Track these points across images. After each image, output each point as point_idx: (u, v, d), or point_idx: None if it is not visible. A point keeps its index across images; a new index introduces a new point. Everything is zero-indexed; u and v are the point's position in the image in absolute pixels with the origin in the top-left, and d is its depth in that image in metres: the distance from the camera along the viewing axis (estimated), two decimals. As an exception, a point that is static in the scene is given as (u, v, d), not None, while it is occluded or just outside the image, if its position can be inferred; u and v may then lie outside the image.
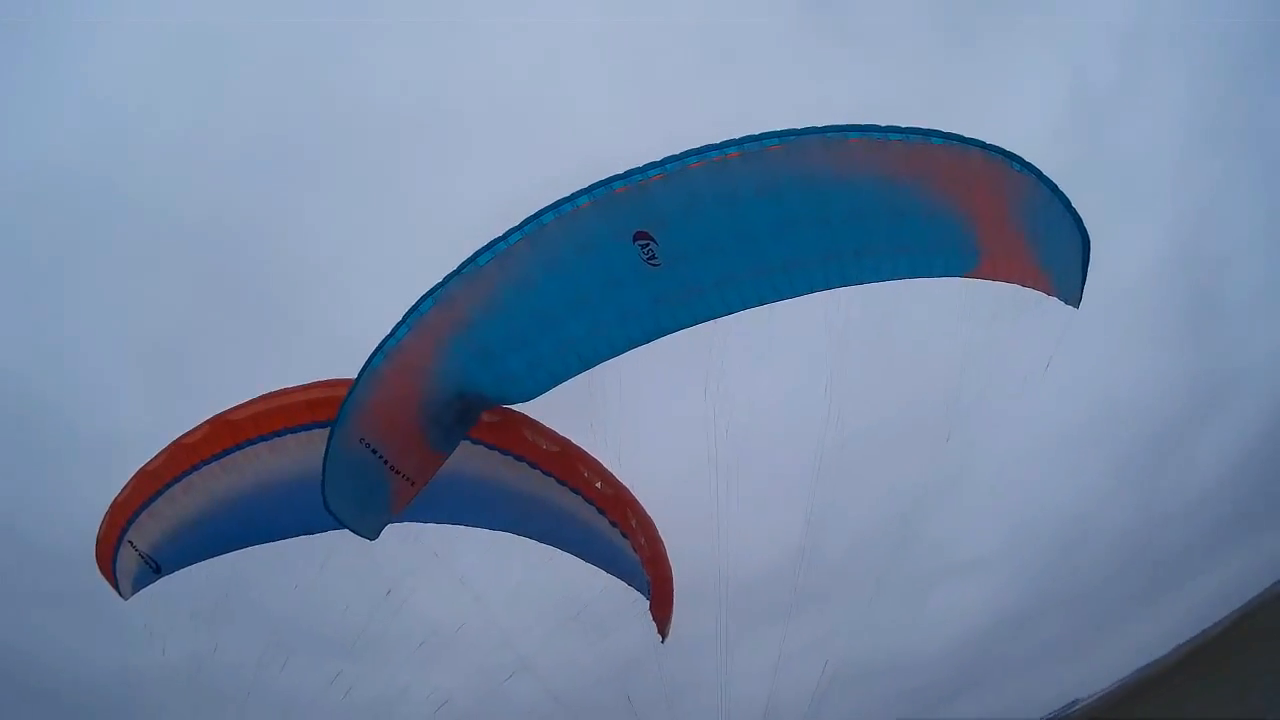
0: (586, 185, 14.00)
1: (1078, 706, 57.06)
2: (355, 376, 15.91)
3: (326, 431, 17.79)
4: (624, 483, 21.35)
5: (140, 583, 21.96)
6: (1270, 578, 46.83)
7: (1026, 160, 14.32)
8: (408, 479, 17.63)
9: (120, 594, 22.07)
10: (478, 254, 14.68)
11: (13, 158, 48.16)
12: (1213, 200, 61.71)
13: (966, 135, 13.93)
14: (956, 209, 14.83)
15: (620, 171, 13.94)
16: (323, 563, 19.92)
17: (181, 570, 21.94)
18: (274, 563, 21.20)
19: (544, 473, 20.48)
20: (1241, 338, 60.45)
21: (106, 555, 21.49)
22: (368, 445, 16.51)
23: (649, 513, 21.73)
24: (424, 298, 15.13)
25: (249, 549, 21.72)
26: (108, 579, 21.93)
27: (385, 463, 16.94)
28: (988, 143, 14.03)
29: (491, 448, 19.80)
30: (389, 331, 15.47)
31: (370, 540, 18.01)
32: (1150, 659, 53.35)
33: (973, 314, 16.91)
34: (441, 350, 16.07)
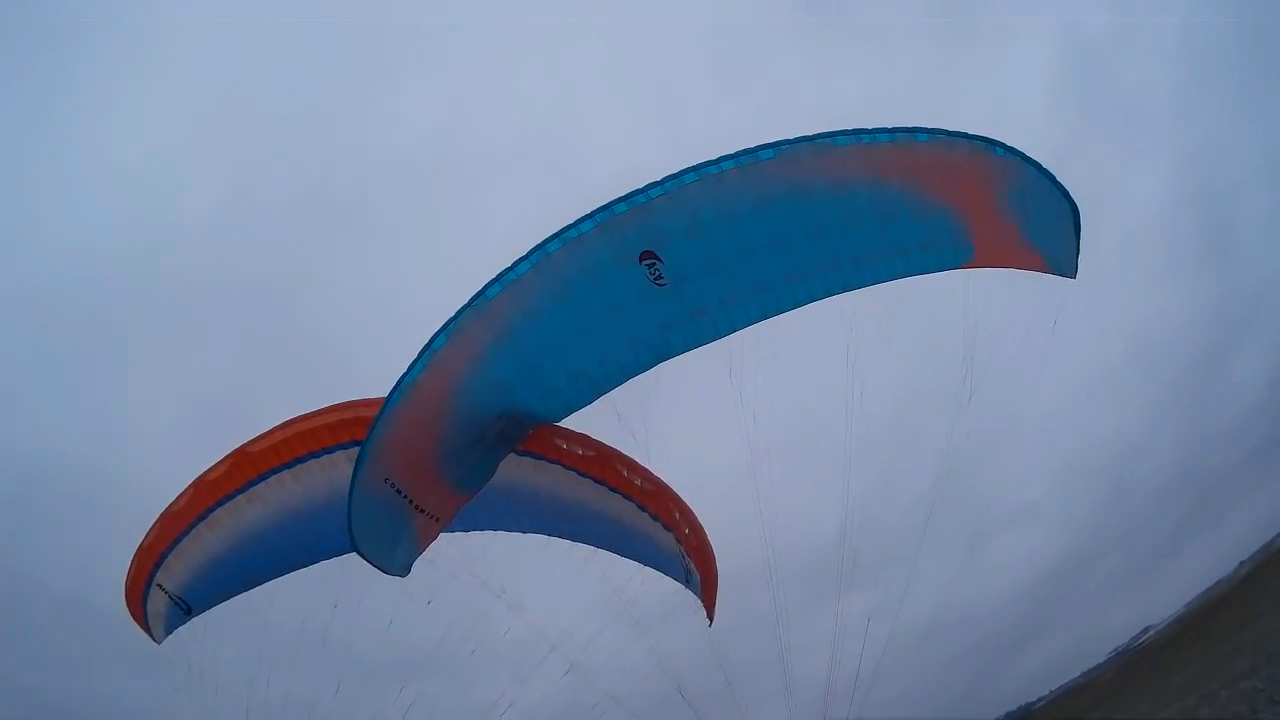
0: (589, 211, 14.22)
1: (1151, 633, 55.90)
2: (375, 416, 15.95)
3: (349, 454, 18.07)
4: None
5: (172, 624, 21.79)
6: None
7: (1008, 144, 14.62)
8: (433, 517, 17.79)
9: (153, 638, 21.90)
10: (487, 286, 14.87)
11: (53, 247, 49.14)
12: (1216, 132, 62.84)
13: (952, 127, 14.23)
14: (946, 204, 15.21)
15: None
16: (358, 582, 19.01)
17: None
18: (303, 585, 21.06)
19: (581, 475, 20.36)
20: (1259, 259, 60.85)
21: (136, 601, 21.26)
22: (391, 485, 16.55)
23: (689, 503, 21.64)
24: (437, 333, 15.26)
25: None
26: (140, 624, 21.68)
27: (409, 501, 17.02)
28: (970, 133, 14.32)
29: (524, 454, 19.52)
30: (405, 369, 15.60)
31: (401, 577, 18.12)
32: (1215, 579, 53.45)
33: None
34: (457, 386, 16.21)
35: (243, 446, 19.65)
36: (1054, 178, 14.97)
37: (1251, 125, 60.99)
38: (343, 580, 19.82)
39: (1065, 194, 15.20)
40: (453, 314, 15.02)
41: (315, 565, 21.02)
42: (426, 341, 15.26)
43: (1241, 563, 51.43)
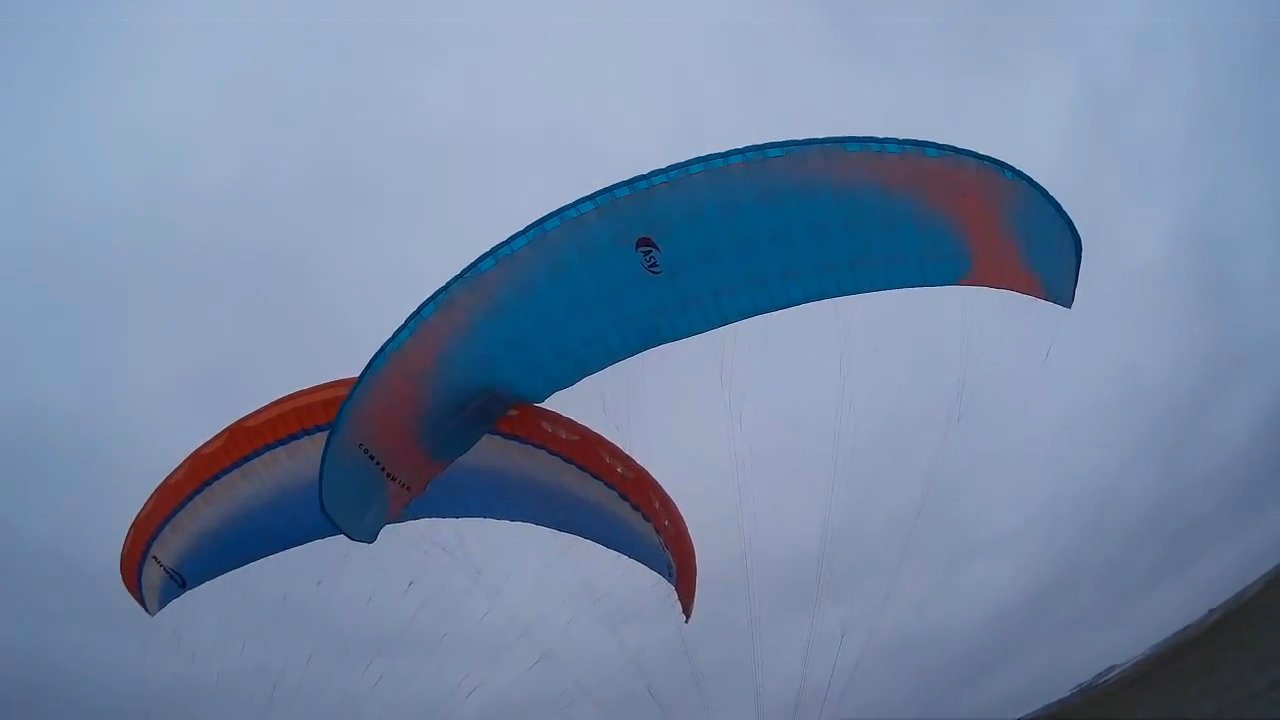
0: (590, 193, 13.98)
1: (1115, 672, 56.13)
2: (355, 380, 15.71)
3: None
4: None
5: (166, 597, 21.78)
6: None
7: (1016, 168, 14.58)
8: (404, 485, 17.56)
9: (147, 610, 21.89)
10: (481, 259, 14.68)
11: (67, 201, 48.83)
12: (1221, 184, 63.23)
13: (962, 145, 14.25)
14: (949, 219, 15.07)
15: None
16: (341, 560, 19.49)
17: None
18: (289, 561, 21.08)
19: (565, 460, 20.18)
20: (1253, 313, 61.61)
21: (131, 572, 21.30)
22: (365, 450, 16.37)
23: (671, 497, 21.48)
24: (426, 301, 15.08)
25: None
26: (134, 595, 21.71)
27: (381, 468, 16.81)
28: (980, 153, 14.29)
29: (510, 438, 19.47)
30: (391, 335, 15.40)
31: (367, 544, 17.84)
32: (1183, 624, 53.23)
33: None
34: (442, 355, 16.01)
35: (239, 421, 19.69)
36: (1059, 206, 14.96)
37: (1258, 179, 61.39)
38: (325, 556, 20.07)
39: (1069, 223, 15.19)
40: (443, 284, 14.88)
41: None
42: (415, 309, 15.16)
43: (1211, 610, 51.41)
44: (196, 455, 20.06)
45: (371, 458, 16.45)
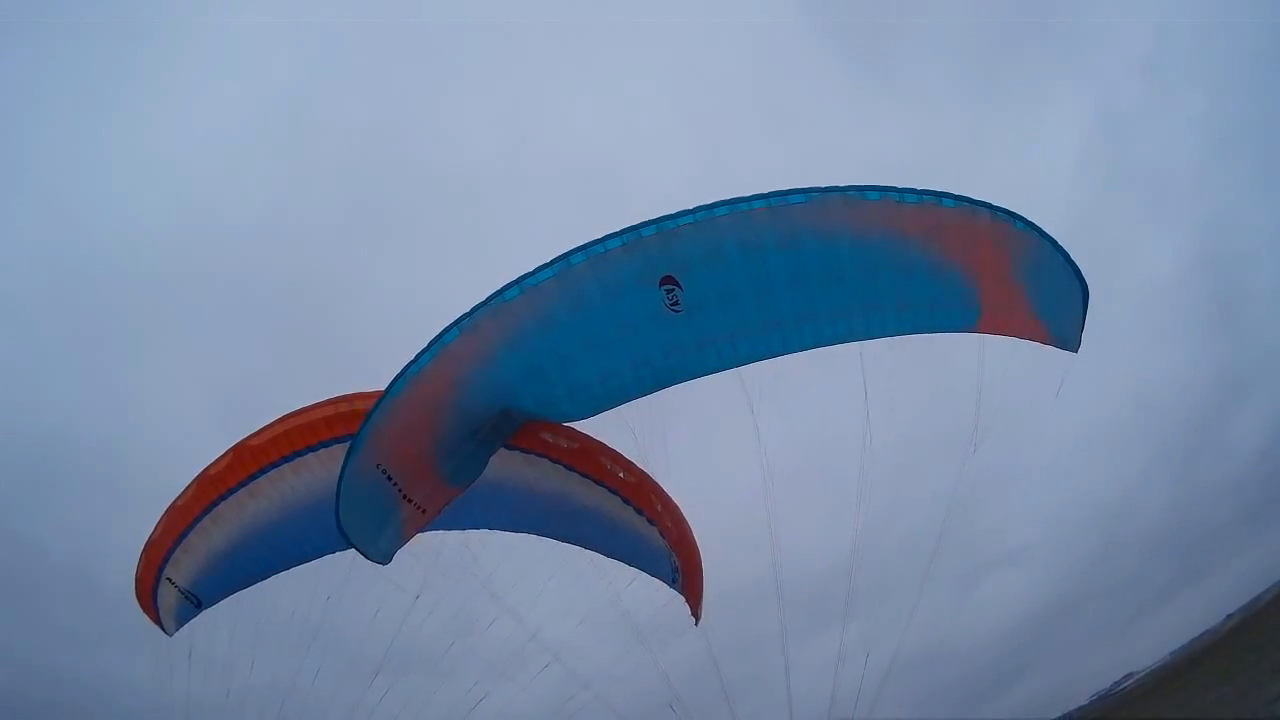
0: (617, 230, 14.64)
1: (1133, 680, 55.50)
2: (376, 401, 16.01)
3: (345, 448, 17.70)
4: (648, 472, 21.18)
5: (183, 618, 22.00)
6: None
7: (1027, 219, 15.26)
8: (420, 508, 17.82)
9: (165, 631, 22.02)
10: (505, 288, 15.11)
11: (99, 229, 49.29)
12: (1232, 204, 64.90)
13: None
14: (961, 268, 15.77)
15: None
16: (347, 572, 19.38)
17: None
18: (298, 578, 21.21)
19: (566, 468, 20.45)
20: (1264, 329, 62.77)
21: (146, 594, 21.41)
22: (383, 471, 16.65)
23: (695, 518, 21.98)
24: (450, 326, 15.50)
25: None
26: (150, 617, 21.80)
27: (399, 490, 17.10)
28: (994, 205, 14.99)
29: (510, 448, 19.37)
30: (413, 358, 15.71)
31: (382, 565, 17.99)
32: (1200, 631, 54.14)
33: None
34: (461, 382, 16.43)
35: (243, 441, 19.80)
36: (1068, 256, 15.62)
37: (1268, 198, 62.90)
38: (332, 569, 20.00)
39: (1078, 273, 15.87)
40: (468, 310, 15.23)
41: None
42: (437, 334, 15.47)
43: (1229, 615, 51.50)
44: (203, 476, 20.18)
45: (389, 478, 16.72)
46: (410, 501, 17.40)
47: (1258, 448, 60.32)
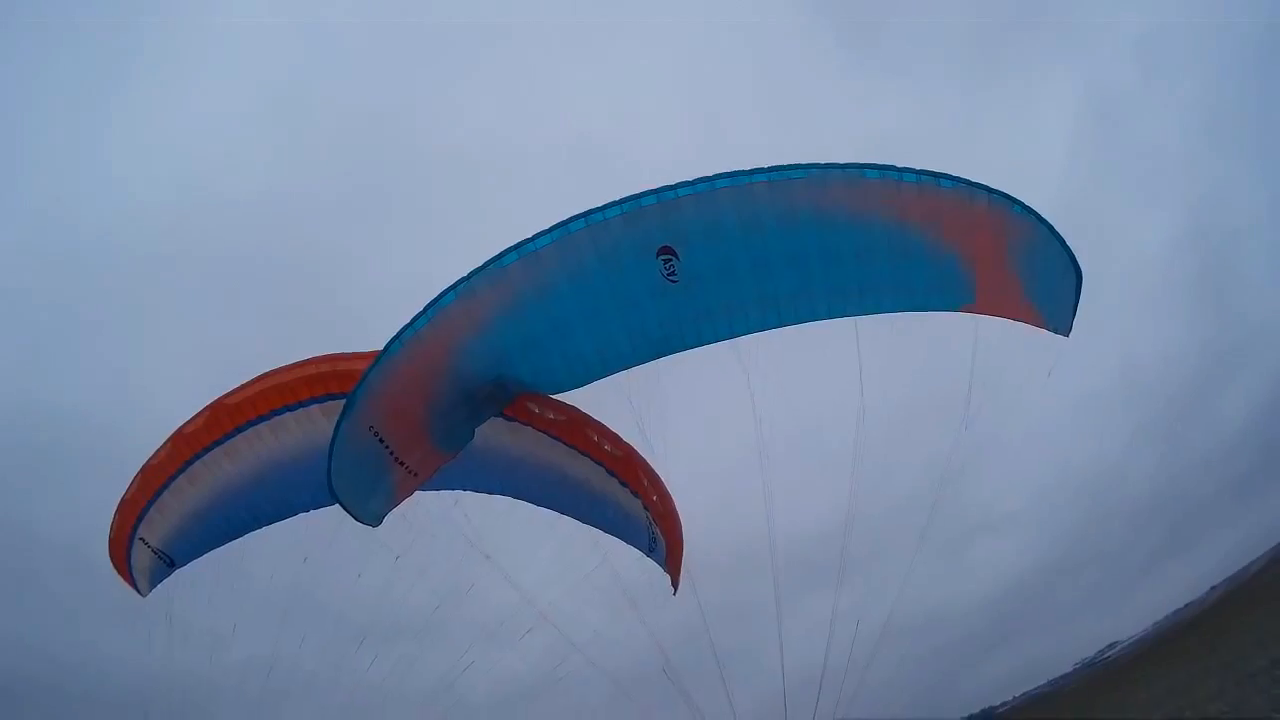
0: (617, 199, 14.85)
1: (1117, 649, 56.14)
2: (371, 363, 16.04)
3: (324, 408, 18.54)
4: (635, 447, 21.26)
5: (156, 578, 21.94)
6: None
7: (1026, 204, 15.44)
8: (411, 471, 17.98)
9: (139, 591, 22.01)
10: (504, 253, 15.23)
11: (101, 204, 48.85)
12: (1221, 182, 68.15)
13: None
14: (957, 250, 16.00)
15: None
16: (331, 538, 19.20)
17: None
18: (282, 538, 21.06)
19: (552, 438, 20.56)
20: (1250, 304, 66.21)
21: (120, 555, 21.35)
22: (376, 434, 16.78)
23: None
24: (446, 290, 15.63)
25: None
26: (124, 578, 21.76)
27: (391, 453, 17.26)
28: (992, 187, 15.16)
29: (500, 416, 19.35)
30: (409, 321, 15.86)
31: (373, 527, 18.08)
32: (1184, 602, 54.47)
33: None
34: (456, 347, 16.56)
35: (219, 399, 19.66)
36: (1064, 241, 15.93)
37: (1256, 178, 66.67)
38: (317, 533, 19.87)
39: (1073, 259, 16.23)
40: (464, 275, 15.38)
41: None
42: (435, 297, 15.59)
43: (1213, 587, 52.24)
44: (178, 435, 20.02)
45: (382, 441, 16.89)
46: (402, 465, 17.59)
47: (1242, 422, 62.49)
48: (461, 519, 20.35)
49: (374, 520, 17.98)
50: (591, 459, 20.84)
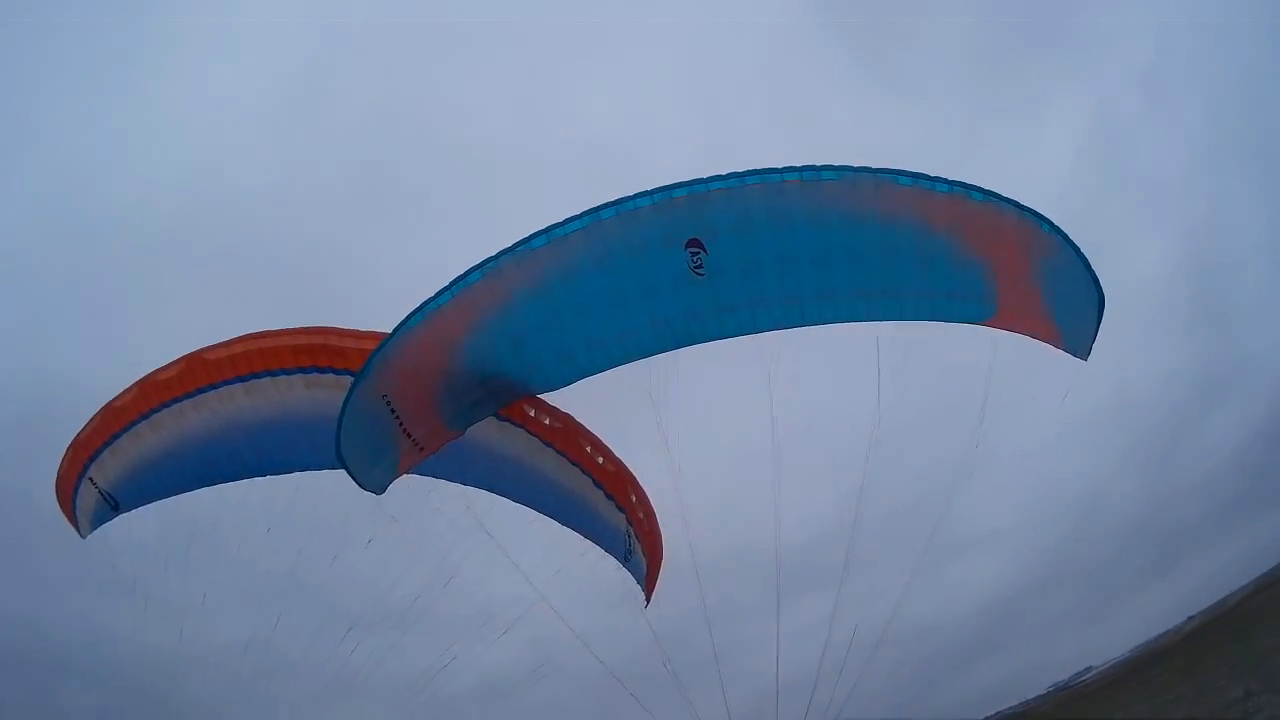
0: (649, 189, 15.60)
1: (1091, 673, 56.60)
2: (391, 332, 16.37)
3: (307, 378, 18.75)
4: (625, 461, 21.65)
5: (99, 520, 21.93)
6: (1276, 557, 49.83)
7: (1054, 222, 15.72)
8: (417, 444, 18.24)
9: (79, 532, 22.04)
10: (533, 236, 15.70)
11: (111, 183, 49.76)
12: (1219, 211, 67.67)
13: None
14: (983, 262, 16.44)
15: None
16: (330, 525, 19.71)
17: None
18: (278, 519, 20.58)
19: (544, 443, 20.65)
20: (1243, 332, 65.59)
21: (67, 493, 21.39)
22: (387, 402, 17.02)
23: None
24: (473, 268, 16.05)
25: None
26: (67, 517, 21.84)
27: (400, 424, 17.50)
28: (1022, 203, 15.60)
29: (495, 415, 19.64)
30: (433, 294, 16.24)
31: (377, 495, 18.19)
32: (1161, 630, 55.47)
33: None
34: (478, 326, 16.95)
35: (199, 351, 19.54)
36: (1088, 263, 16.29)
37: (1254, 207, 65.86)
38: (280, 508, 19.90)
39: (1095, 282, 16.54)
40: (493, 254, 15.87)
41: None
42: (461, 273, 16.08)
43: (1190, 617, 54.32)
44: (148, 380, 19.89)
45: (392, 411, 17.19)
46: (410, 437, 17.92)
47: (1230, 451, 63.12)
48: (461, 504, 20.17)
49: (377, 489, 18.25)
50: (582, 469, 21.02)
